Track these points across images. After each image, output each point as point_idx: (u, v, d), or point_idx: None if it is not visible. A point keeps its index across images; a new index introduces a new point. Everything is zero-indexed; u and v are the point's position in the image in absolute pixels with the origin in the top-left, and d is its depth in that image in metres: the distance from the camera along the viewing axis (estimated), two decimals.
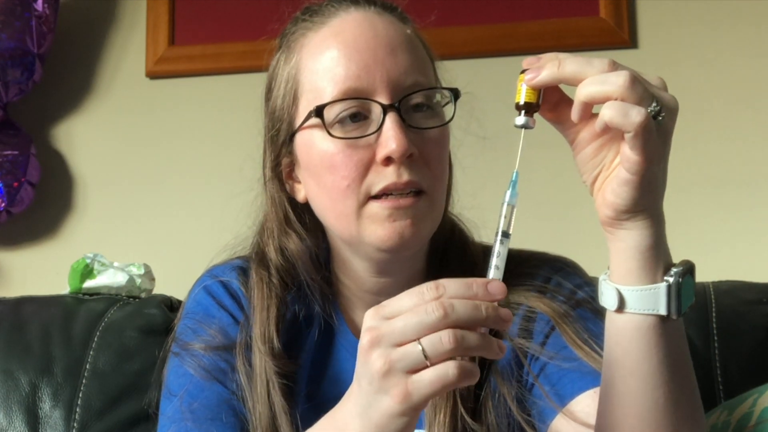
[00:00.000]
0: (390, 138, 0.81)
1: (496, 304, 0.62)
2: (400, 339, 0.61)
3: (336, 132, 0.84)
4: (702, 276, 1.27)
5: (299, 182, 0.92)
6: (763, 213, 1.68)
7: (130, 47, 1.94)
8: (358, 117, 0.84)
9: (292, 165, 0.92)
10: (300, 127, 0.87)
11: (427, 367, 0.60)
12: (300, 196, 0.92)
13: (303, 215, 0.94)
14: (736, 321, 1.18)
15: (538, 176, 1.65)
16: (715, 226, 1.68)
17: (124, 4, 1.96)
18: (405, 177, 0.82)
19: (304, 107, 0.87)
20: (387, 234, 0.83)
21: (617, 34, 1.76)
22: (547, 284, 0.90)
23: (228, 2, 1.88)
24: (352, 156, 0.83)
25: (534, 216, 1.64)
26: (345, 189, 0.84)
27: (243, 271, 0.96)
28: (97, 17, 1.96)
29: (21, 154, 1.83)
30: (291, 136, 0.89)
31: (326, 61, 0.85)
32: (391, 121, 0.82)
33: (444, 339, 0.60)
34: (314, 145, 0.86)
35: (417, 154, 0.83)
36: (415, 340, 0.60)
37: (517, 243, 0.97)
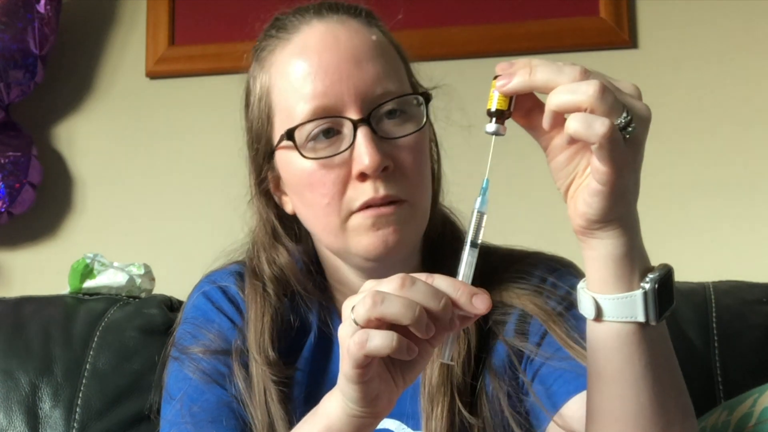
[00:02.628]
0: (362, 154, 0.81)
1: (451, 304, 0.62)
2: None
3: (309, 153, 0.84)
4: (702, 276, 1.28)
5: (286, 195, 0.92)
6: (763, 213, 1.67)
7: (130, 47, 1.94)
8: (331, 132, 0.84)
9: (278, 178, 0.92)
10: (276, 147, 0.88)
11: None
12: (288, 208, 0.93)
13: (292, 225, 0.95)
14: (736, 321, 1.18)
15: (535, 174, 1.65)
16: (715, 226, 1.68)
17: (124, 4, 1.96)
18: (382, 191, 0.83)
19: (279, 127, 0.87)
20: (371, 243, 0.84)
21: (617, 34, 1.76)
22: (542, 285, 0.90)
23: (228, 2, 1.88)
24: (329, 174, 0.83)
25: (531, 214, 1.64)
26: (326, 206, 0.84)
27: (240, 276, 0.96)
28: (98, 18, 1.96)
29: (23, 155, 1.83)
30: (270, 154, 0.90)
31: (293, 80, 0.85)
32: (362, 136, 0.82)
33: (390, 300, 0.61)
34: (291, 164, 0.87)
35: (392, 166, 0.83)
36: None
37: (514, 241, 0.98)
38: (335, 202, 0.84)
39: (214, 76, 1.87)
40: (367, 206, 0.83)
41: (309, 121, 0.83)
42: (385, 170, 0.82)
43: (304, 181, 0.85)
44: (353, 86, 0.83)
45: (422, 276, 0.63)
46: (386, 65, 0.86)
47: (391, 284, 0.63)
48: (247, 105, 0.94)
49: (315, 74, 0.83)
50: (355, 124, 0.82)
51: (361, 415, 0.67)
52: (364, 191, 0.83)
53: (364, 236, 0.84)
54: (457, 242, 0.94)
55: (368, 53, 0.85)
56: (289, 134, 0.84)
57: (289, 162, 0.87)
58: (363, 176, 0.82)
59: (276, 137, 0.88)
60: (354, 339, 0.62)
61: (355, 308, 0.63)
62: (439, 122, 0.93)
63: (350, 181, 0.83)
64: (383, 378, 0.66)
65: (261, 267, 0.94)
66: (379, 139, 0.83)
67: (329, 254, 0.93)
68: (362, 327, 0.63)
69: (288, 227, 0.95)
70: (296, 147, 0.84)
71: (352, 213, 0.84)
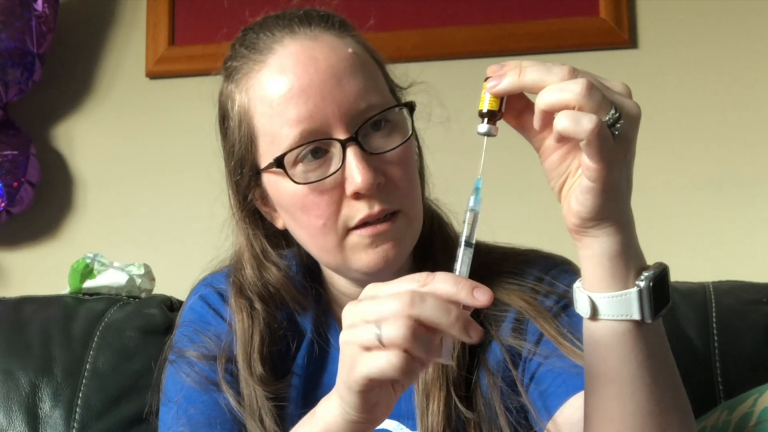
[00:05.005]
0: (355, 174, 0.81)
1: (468, 315, 0.62)
2: (367, 316, 0.63)
3: (299, 177, 0.83)
4: (702, 276, 1.28)
5: (276, 211, 0.91)
6: (763, 213, 1.68)
7: (130, 47, 1.94)
8: (319, 152, 0.83)
9: (264, 195, 0.91)
10: (263, 170, 0.87)
11: (380, 348, 0.62)
12: (279, 224, 0.92)
13: (280, 238, 0.94)
14: (736, 321, 1.18)
15: (532, 174, 1.65)
16: (715, 226, 1.68)
17: (124, 4, 1.96)
18: (377, 207, 0.82)
19: (264, 151, 0.86)
20: (372, 260, 0.84)
21: (617, 34, 1.76)
22: (539, 283, 0.90)
23: (228, 2, 1.88)
24: (322, 196, 0.83)
25: (528, 214, 1.64)
26: (322, 227, 0.84)
27: None
28: (97, 17, 1.96)
29: (21, 154, 1.84)
30: (256, 176, 0.89)
31: (275, 105, 0.83)
32: (352, 156, 0.81)
33: (397, 324, 0.61)
34: (281, 187, 0.86)
35: (384, 181, 0.83)
36: (375, 322, 0.62)
37: (511, 240, 0.97)
38: (331, 223, 0.84)
39: (214, 76, 1.87)
40: (364, 223, 0.83)
41: (297, 146, 0.82)
42: (378, 185, 0.82)
43: (297, 204, 0.85)
44: (337, 106, 0.82)
45: (423, 275, 0.63)
46: (366, 78, 0.85)
47: (398, 303, 0.61)
48: (224, 126, 0.92)
49: (297, 97, 0.82)
50: (344, 144, 0.82)
51: (359, 420, 0.67)
52: (359, 209, 0.83)
53: (364, 254, 0.84)
54: (446, 239, 0.95)
55: (347, 69, 0.83)
56: (279, 161, 0.83)
57: (278, 185, 0.86)
58: (357, 195, 0.82)
59: (261, 160, 0.87)
60: (369, 360, 0.62)
61: (384, 327, 0.61)
62: (421, 120, 0.92)
63: (344, 200, 0.83)
64: (382, 385, 0.66)
65: (248, 284, 0.93)
66: (368, 155, 0.82)
67: (323, 266, 0.93)
68: (386, 347, 0.62)
69: (276, 242, 0.95)
70: (286, 173, 0.83)
71: (349, 231, 0.84)
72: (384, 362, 0.61)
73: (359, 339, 0.63)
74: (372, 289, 0.65)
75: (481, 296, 0.62)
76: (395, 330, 0.60)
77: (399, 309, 0.61)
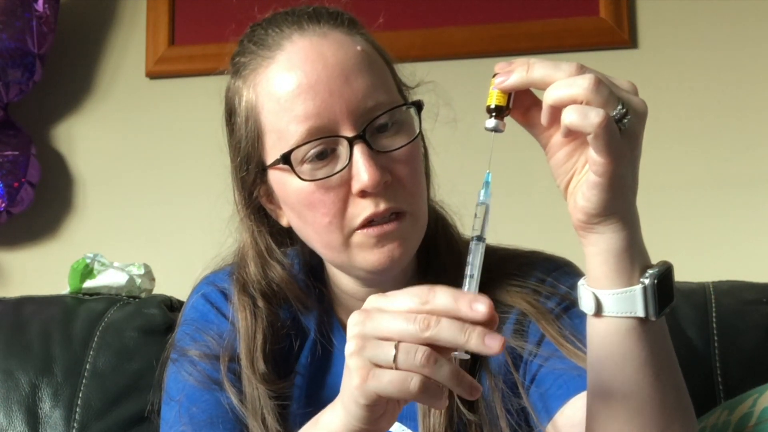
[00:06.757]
0: (361, 171, 0.81)
1: (482, 329, 0.61)
2: (380, 333, 0.62)
3: (306, 174, 0.83)
4: (702, 276, 1.28)
5: (281, 208, 0.91)
6: (763, 213, 1.68)
7: (130, 47, 1.94)
8: (326, 153, 0.83)
9: (269, 193, 0.91)
10: (270, 167, 0.87)
11: (392, 368, 0.61)
12: (284, 222, 0.92)
13: (285, 236, 0.94)
14: (736, 321, 1.18)
15: (535, 174, 1.65)
16: (715, 226, 1.68)
17: (124, 4, 1.96)
18: (383, 206, 0.82)
19: (270, 147, 0.86)
20: (377, 259, 0.84)
21: (617, 34, 1.76)
22: (541, 284, 0.90)
23: (228, 2, 1.88)
24: (328, 193, 0.83)
25: (531, 213, 1.64)
26: (327, 224, 0.84)
27: None
28: (97, 17, 1.96)
29: (21, 154, 1.83)
30: (262, 173, 0.89)
31: (282, 101, 0.83)
32: (359, 154, 0.81)
33: (418, 355, 0.60)
34: (287, 184, 0.86)
35: (390, 180, 0.83)
36: (393, 341, 0.61)
37: (514, 242, 0.97)
38: (337, 221, 0.84)
39: (214, 76, 1.87)
40: (369, 221, 0.83)
41: (304, 143, 0.82)
42: (385, 184, 0.82)
43: (303, 201, 0.85)
44: (344, 103, 0.82)
45: (425, 291, 0.62)
46: (374, 76, 0.85)
47: (414, 325, 0.60)
48: (230, 122, 0.92)
49: (305, 94, 0.82)
50: (351, 142, 0.82)
51: (363, 429, 0.67)
52: (365, 207, 0.82)
53: (369, 253, 0.84)
54: (449, 240, 0.95)
55: (355, 67, 0.83)
56: (285, 158, 0.83)
57: (284, 182, 0.86)
58: (363, 193, 0.82)
59: (267, 156, 0.87)
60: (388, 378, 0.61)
61: (402, 350, 0.60)
62: (427, 120, 0.92)
63: (350, 198, 0.83)
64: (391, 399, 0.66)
65: (251, 281, 0.93)
66: (375, 153, 0.82)
67: (327, 264, 0.93)
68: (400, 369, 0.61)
69: (280, 240, 0.95)
70: (293, 170, 0.83)
71: (354, 230, 0.84)
72: (398, 383, 0.60)
73: (373, 356, 0.62)
74: (376, 300, 0.64)
75: (479, 307, 0.60)
76: (413, 356, 0.60)
77: (415, 332, 0.60)
